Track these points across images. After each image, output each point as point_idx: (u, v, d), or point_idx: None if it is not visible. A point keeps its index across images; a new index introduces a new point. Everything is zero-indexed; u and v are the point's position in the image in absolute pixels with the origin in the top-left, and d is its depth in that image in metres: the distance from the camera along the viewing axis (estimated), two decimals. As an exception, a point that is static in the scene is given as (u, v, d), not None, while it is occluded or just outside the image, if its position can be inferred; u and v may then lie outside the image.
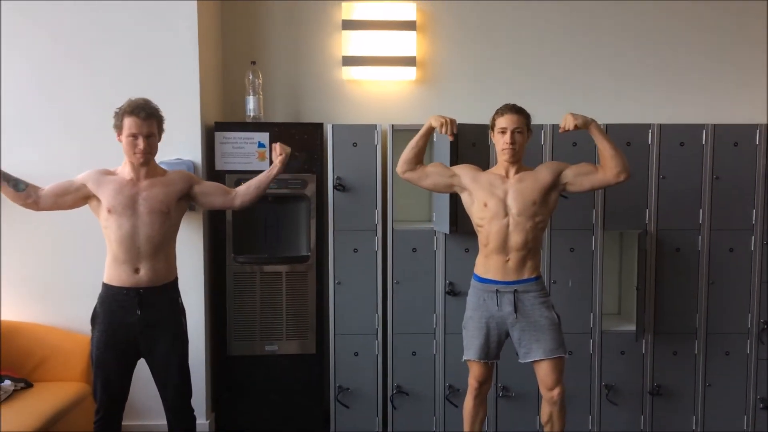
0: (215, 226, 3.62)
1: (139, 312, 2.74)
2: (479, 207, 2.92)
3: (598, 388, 3.67)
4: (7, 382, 3.11)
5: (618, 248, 3.95)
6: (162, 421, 2.93)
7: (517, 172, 2.93)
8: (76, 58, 3.43)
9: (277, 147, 3.06)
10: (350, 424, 3.67)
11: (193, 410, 2.93)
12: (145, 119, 2.72)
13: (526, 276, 2.91)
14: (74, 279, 3.44)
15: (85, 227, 3.27)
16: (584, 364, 3.66)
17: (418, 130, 3.42)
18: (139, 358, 2.84)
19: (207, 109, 3.58)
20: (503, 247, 2.89)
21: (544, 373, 2.89)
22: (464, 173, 2.98)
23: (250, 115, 3.70)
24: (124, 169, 2.81)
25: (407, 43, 3.90)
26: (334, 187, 3.57)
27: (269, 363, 3.66)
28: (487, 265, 2.94)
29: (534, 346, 2.87)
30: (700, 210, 3.62)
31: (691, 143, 3.60)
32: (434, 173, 3.01)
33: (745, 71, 4.03)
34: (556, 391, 2.88)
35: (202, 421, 3.47)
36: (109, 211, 2.73)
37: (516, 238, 2.87)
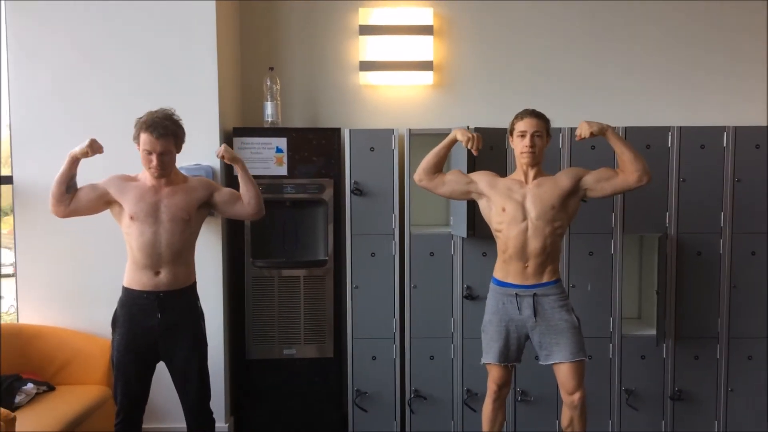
0: (234, 230, 3.64)
1: (159, 315, 2.76)
2: (497, 212, 2.91)
3: (618, 392, 3.64)
4: (30, 386, 3.14)
5: (638, 252, 3.91)
6: (181, 424, 2.94)
7: (535, 177, 2.91)
8: (96, 64, 3.47)
9: (217, 154, 2.97)
10: (368, 428, 3.67)
11: (212, 413, 2.95)
12: (159, 138, 2.70)
13: (545, 279, 2.89)
14: (95, 283, 3.47)
15: (105, 231, 3.29)
16: (604, 369, 3.63)
17: (435, 135, 3.42)
18: (158, 361, 2.86)
19: (225, 115, 3.61)
20: (522, 253, 2.87)
21: (564, 376, 2.87)
22: (481, 179, 2.98)
23: (268, 121, 3.72)
24: (146, 175, 2.83)
25: (424, 48, 3.91)
26: (352, 192, 3.58)
27: (288, 367, 3.67)
28: (506, 269, 2.93)
29: (554, 349, 2.86)
30: (722, 213, 3.58)
31: (711, 146, 3.56)
32: (451, 181, 3.00)
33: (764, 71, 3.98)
34: (577, 395, 2.86)
35: (221, 424, 3.49)
36: (132, 218, 2.75)
37: (534, 244, 2.85)
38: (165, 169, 2.77)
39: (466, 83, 4.01)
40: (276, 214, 3.64)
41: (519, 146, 2.90)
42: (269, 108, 3.72)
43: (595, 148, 3.51)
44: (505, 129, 3.47)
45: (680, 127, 3.56)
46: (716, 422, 3.66)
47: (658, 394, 3.65)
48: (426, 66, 3.92)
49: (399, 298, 3.63)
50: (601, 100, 3.98)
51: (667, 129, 3.57)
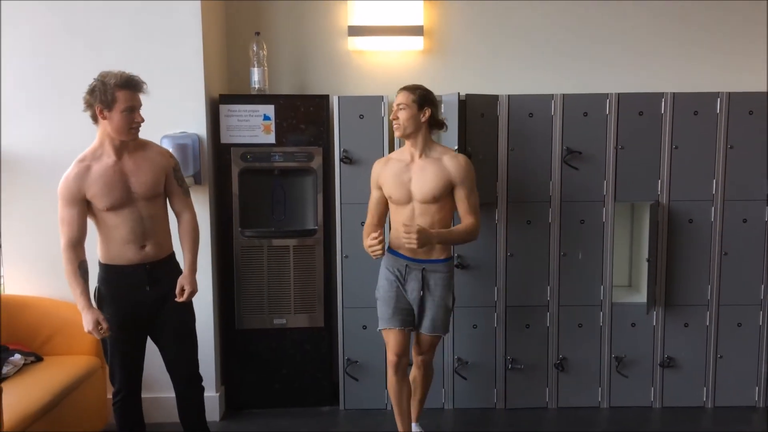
0: (222, 200, 3.60)
1: (148, 288, 2.73)
2: (388, 197, 2.95)
3: (609, 360, 3.65)
4: (18, 356, 3.13)
5: (629, 220, 3.89)
6: (171, 393, 2.94)
7: (422, 153, 2.91)
8: (79, 29, 3.38)
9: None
10: (359, 396, 3.69)
11: (201, 379, 2.94)
12: (137, 92, 2.63)
13: (435, 257, 2.94)
14: (82, 253, 3.42)
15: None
16: (594, 337, 3.64)
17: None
18: (149, 332, 2.84)
19: (211, 82, 3.54)
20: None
21: (420, 342, 3.07)
22: (377, 185, 3.00)
23: (255, 87, 3.64)
24: (104, 151, 2.68)
25: (414, 12, 3.82)
26: (341, 160, 3.54)
27: (278, 336, 3.66)
28: (399, 242, 2.93)
29: (424, 319, 2.98)
30: (714, 180, 3.56)
31: (705, 112, 3.52)
32: (381, 212, 3.04)
33: (759, 36, 3.90)
34: (421, 357, 3.12)
35: (212, 394, 3.49)
36: (107, 209, 2.66)
37: (422, 222, 2.87)
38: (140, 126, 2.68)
39: (457, 49, 3.93)
40: (264, 184, 3.60)
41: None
42: (256, 74, 3.64)
43: (587, 114, 3.47)
44: (497, 96, 3.43)
45: (674, 93, 3.52)
46: (705, 389, 3.69)
47: (647, 362, 3.66)
48: (416, 31, 3.83)
49: (389, 267, 3.60)
50: (594, 66, 3.91)
51: (660, 95, 3.52)
